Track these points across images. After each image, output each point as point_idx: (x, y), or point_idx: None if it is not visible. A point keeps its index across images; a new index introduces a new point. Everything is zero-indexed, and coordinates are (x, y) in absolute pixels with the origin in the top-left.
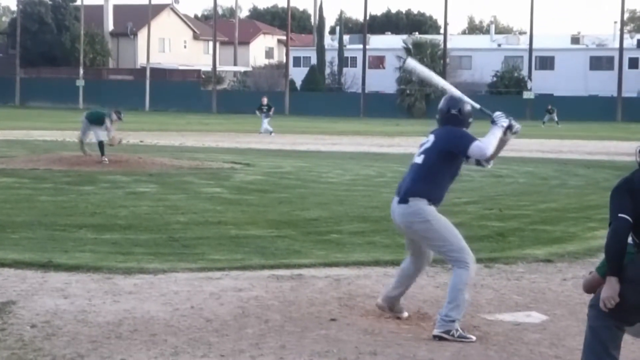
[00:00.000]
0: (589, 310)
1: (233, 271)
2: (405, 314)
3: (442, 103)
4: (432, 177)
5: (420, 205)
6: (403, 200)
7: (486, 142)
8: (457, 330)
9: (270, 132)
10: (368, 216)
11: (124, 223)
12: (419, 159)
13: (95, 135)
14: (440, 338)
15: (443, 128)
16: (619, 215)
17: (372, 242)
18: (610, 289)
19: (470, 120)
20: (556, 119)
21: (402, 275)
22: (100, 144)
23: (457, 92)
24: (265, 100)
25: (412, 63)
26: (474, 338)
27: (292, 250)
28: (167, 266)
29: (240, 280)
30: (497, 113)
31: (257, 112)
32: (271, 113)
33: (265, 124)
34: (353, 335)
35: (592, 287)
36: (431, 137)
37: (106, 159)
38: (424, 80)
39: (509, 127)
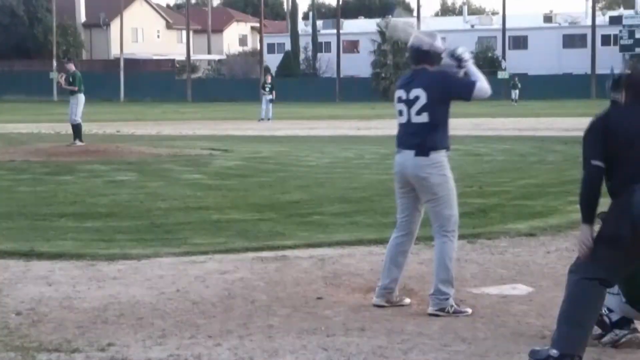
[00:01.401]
0: (569, 276)
1: (217, 254)
2: (407, 301)
3: (412, 40)
4: (442, 127)
5: (441, 157)
6: (423, 152)
7: (481, 79)
8: (451, 306)
9: (268, 119)
10: (349, 197)
11: (105, 211)
12: (420, 118)
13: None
14: (435, 316)
15: (429, 76)
16: (592, 162)
17: (354, 222)
18: (584, 236)
19: (443, 55)
20: (515, 97)
21: (394, 253)
22: (75, 127)
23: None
24: (269, 79)
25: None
26: (469, 311)
27: (275, 232)
28: (151, 251)
29: (225, 263)
30: (459, 50)
31: (262, 91)
32: (273, 96)
33: (265, 106)
34: (340, 313)
35: None
36: (419, 92)
37: (77, 143)
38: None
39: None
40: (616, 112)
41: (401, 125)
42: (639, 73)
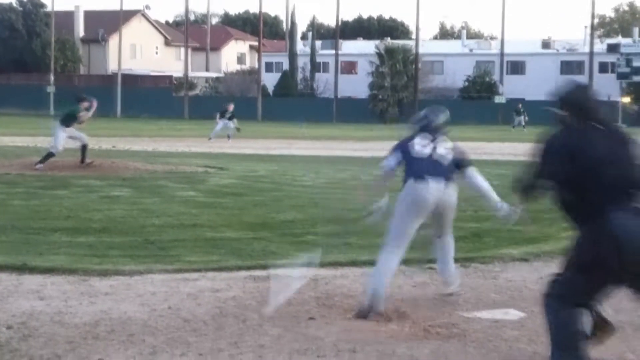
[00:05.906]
0: (546, 300)
1: (209, 272)
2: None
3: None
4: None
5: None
6: (451, 181)
7: (480, 179)
8: None
9: (228, 137)
10: (344, 218)
11: (98, 226)
12: (445, 160)
13: (80, 139)
14: None
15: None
16: (548, 182)
17: (348, 243)
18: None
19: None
20: (524, 123)
21: (439, 249)
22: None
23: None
24: (231, 107)
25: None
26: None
27: (268, 251)
28: (143, 268)
29: (217, 281)
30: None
31: (217, 116)
32: (234, 124)
33: (220, 128)
34: (332, 334)
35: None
36: (449, 144)
37: (39, 166)
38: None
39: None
40: (573, 135)
41: None
42: (575, 92)
